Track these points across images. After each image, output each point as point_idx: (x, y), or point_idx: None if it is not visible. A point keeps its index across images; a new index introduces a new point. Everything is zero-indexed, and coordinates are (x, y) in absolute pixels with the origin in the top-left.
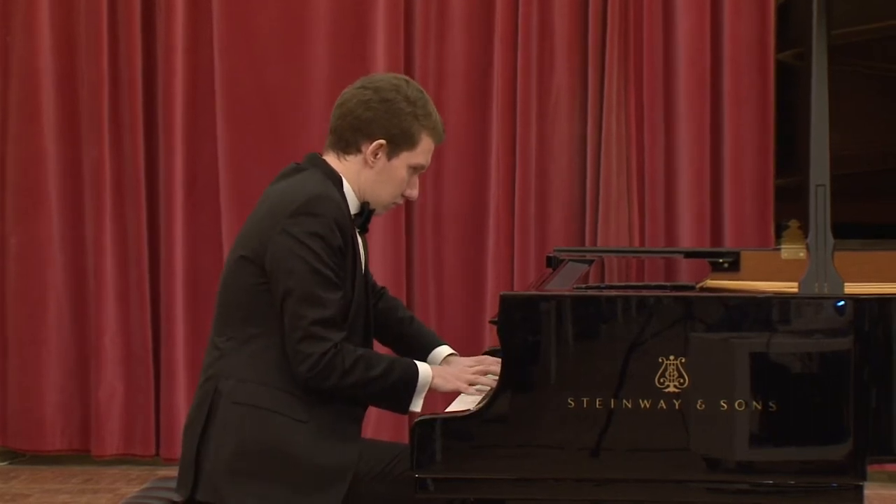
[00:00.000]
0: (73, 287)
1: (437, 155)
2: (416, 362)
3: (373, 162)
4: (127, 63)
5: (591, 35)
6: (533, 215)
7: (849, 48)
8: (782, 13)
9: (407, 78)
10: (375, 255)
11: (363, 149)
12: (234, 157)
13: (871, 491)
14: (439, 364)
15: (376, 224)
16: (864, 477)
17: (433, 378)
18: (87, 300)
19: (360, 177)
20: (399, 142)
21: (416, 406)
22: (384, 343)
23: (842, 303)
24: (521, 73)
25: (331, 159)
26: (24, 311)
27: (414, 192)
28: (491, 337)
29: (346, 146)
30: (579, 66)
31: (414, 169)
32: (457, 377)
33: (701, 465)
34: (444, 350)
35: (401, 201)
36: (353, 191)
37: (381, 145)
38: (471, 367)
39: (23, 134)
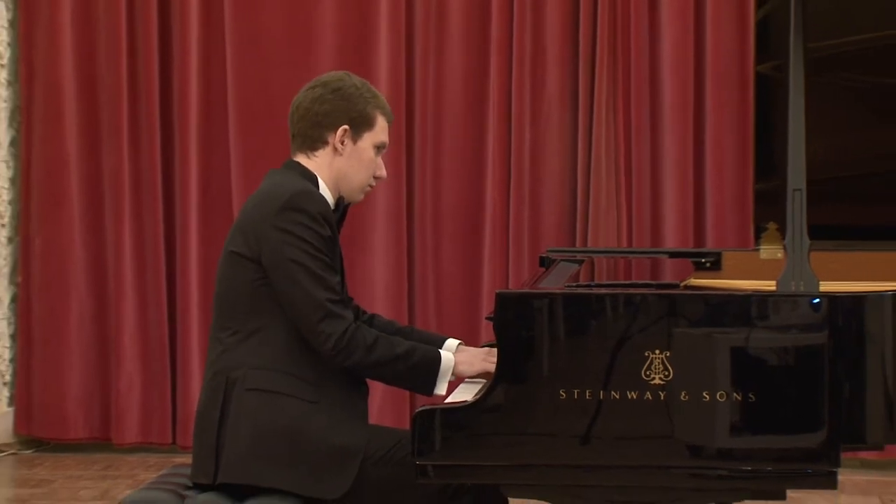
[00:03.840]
0: (94, 285)
1: (436, 159)
2: (439, 350)
3: (341, 149)
4: (144, 73)
5: (581, 48)
6: (527, 218)
7: (825, 61)
8: (762, 27)
9: (347, 72)
10: (378, 256)
11: (330, 140)
12: (246, 162)
13: (844, 476)
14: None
15: (379, 225)
16: (837, 463)
17: (457, 364)
18: (107, 298)
19: (332, 167)
20: (359, 124)
21: (441, 389)
22: None
23: (817, 300)
24: (515, 83)
25: (302, 161)
26: (47, 308)
27: (383, 172)
28: (487, 332)
29: (313, 143)
30: (570, 77)
31: (378, 148)
32: (483, 360)
33: (684, 452)
34: (453, 342)
35: (374, 183)
36: (328, 187)
37: (346, 130)
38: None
39: (46, 141)
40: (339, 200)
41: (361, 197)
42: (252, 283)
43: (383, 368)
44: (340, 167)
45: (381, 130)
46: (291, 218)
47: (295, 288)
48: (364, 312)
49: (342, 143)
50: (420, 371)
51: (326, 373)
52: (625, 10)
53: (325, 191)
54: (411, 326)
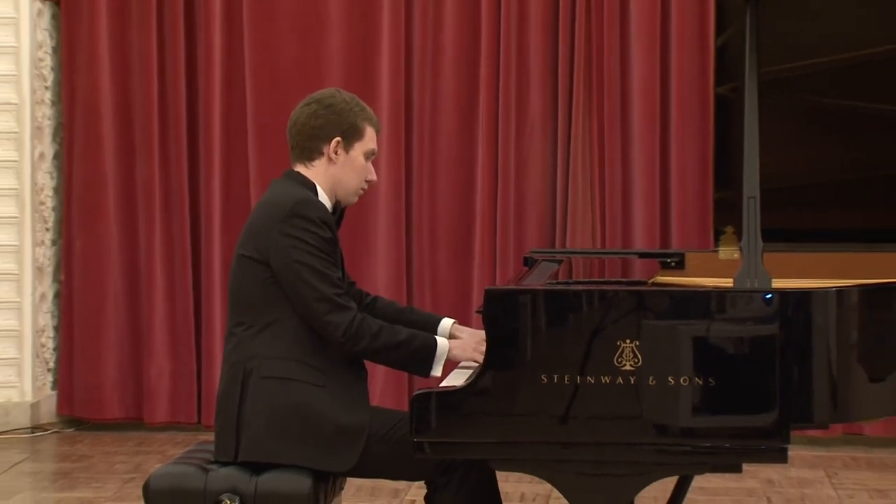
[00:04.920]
0: (128, 283)
1: (432, 171)
2: (435, 336)
3: (335, 158)
4: (173, 96)
5: (560, 73)
6: (512, 222)
7: (777, 83)
8: (720, 53)
9: (339, 88)
10: (379, 256)
11: (325, 150)
12: (263, 176)
13: (793, 452)
14: (449, 331)
15: (380, 230)
16: (787, 440)
17: (451, 349)
18: (139, 294)
19: (328, 175)
20: (350, 135)
21: (437, 371)
22: None
23: (769, 295)
24: (502, 104)
25: (300, 170)
26: (87, 304)
27: (373, 176)
28: (477, 324)
29: (310, 154)
30: (550, 98)
31: (368, 156)
32: (474, 348)
33: (652, 431)
34: (448, 321)
35: (366, 186)
36: (325, 194)
37: (339, 142)
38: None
39: (86, 156)
40: (336, 204)
41: (355, 199)
42: (262, 282)
43: (387, 353)
44: (335, 174)
45: (370, 139)
46: (295, 224)
47: (303, 286)
48: (367, 295)
49: (336, 153)
50: (419, 356)
51: (331, 360)
52: (598, 37)
53: (322, 197)
54: (410, 306)
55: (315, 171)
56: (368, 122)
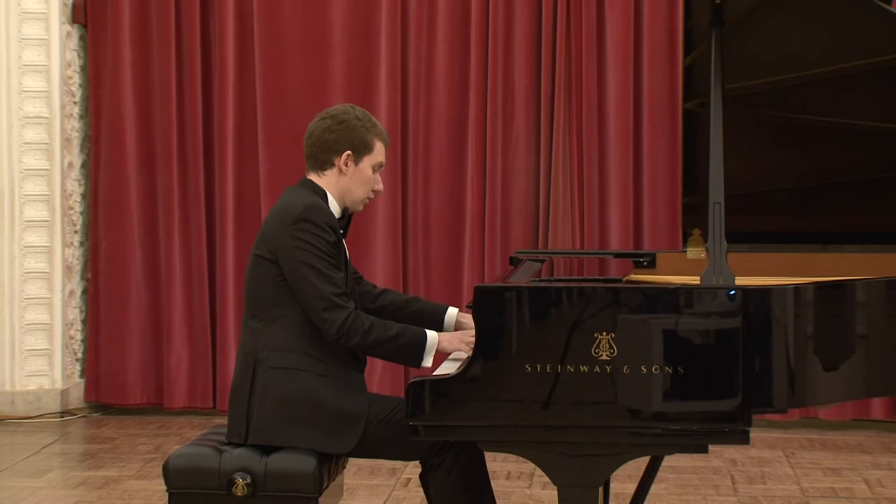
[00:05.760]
0: (150, 280)
1: (426, 179)
2: (425, 330)
3: (346, 170)
4: (191, 111)
5: (542, 88)
6: (499, 225)
7: (739, 99)
8: (688, 72)
9: (352, 104)
10: (378, 256)
11: (336, 162)
12: (272, 183)
13: (754, 434)
14: (456, 318)
15: (379, 232)
16: (749, 423)
17: (440, 342)
18: (160, 290)
19: (338, 184)
20: (360, 149)
21: (428, 362)
22: (404, 322)
23: (733, 292)
24: (489, 119)
25: (313, 178)
26: (112, 299)
27: (380, 187)
28: None
29: (323, 164)
30: (534, 111)
31: (375, 168)
32: (460, 340)
33: (626, 415)
34: (454, 310)
35: (372, 195)
36: (335, 200)
37: (349, 155)
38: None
39: (111, 164)
40: (345, 210)
41: (362, 207)
42: (272, 280)
43: (379, 348)
44: (345, 184)
45: (378, 153)
46: (303, 228)
47: (305, 284)
48: (375, 287)
49: (346, 165)
50: (409, 349)
51: (332, 351)
52: (577, 59)
53: (332, 204)
54: (416, 297)
55: (326, 180)
56: (378, 138)
